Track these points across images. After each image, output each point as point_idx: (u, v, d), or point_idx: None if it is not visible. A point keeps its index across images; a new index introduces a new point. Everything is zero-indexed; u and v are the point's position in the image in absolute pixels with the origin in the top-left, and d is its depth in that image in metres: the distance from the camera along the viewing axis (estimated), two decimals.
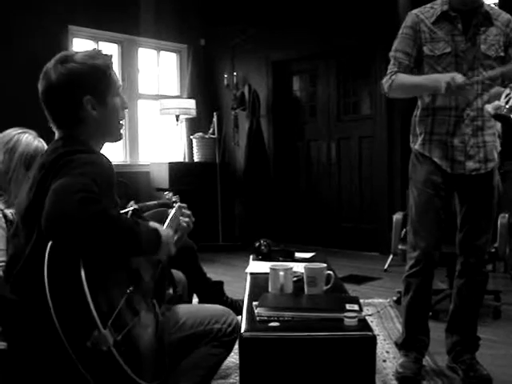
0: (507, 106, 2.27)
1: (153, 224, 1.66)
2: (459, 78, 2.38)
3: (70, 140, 1.65)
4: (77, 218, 1.33)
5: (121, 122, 1.80)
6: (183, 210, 2.05)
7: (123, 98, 1.80)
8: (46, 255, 1.38)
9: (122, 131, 1.82)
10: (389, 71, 2.62)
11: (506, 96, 2.29)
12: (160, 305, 1.60)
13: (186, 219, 2.04)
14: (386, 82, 2.62)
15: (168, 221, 1.99)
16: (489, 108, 2.36)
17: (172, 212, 2.04)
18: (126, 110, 1.86)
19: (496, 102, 2.34)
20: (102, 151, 1.76)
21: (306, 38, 6.37)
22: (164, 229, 1.66)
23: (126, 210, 1.60)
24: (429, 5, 2.61)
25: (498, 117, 2.35)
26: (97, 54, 1.73)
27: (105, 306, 1.37)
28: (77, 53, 1.71)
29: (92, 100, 1.67)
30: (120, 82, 1.80)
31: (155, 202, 2.49)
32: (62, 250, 1.38)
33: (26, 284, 1.47)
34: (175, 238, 1.85)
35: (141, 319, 1.48)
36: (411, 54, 2.58)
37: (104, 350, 1.33)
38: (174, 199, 2.24)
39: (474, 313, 2.73)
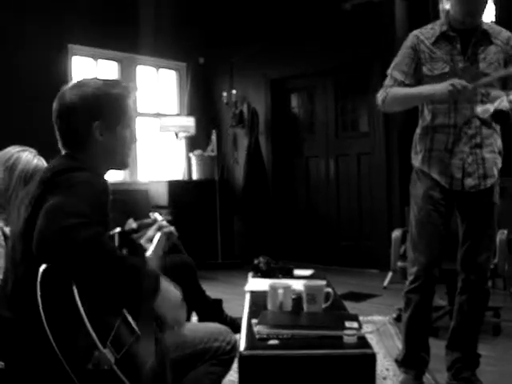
0: (491, 112, 2.31)
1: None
2: (463, 82, 2.42)
3: (72, 158, 1.66)
4: (63, 243, 1.32)
5: (129, 151, 1.80)
6: (166, 230, 2.07)
7: (134, 131, 1.81)
8: (39, 275, 1.36)
9: (128, 161, 1.82)
10: (384, 86, 2.70)
11: (500, 102, 2.32)
12: (157, 323, 1.58)
13: (173, 236, 2.07)
14: (380, 95, 2.68)
15: (152, 247, 2.00)
16: (478, 109, 2.40)
17: (156, 238, 2.05)
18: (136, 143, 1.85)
19: (487, 105, 2.37)
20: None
21: (304, 55, 6.41)
22: (168, 283, 1.54)
23: (112, 233, 1.56)
24: (429, 25, 2.65)
25: (482, 121, 2.40)
26: (116, 83, 1.76)
27: (102, 326, 1.36)
28: (96, 79, 1.74)
29: (101, 126, 1.68)
30: (134, 116, 1.80)
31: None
32: (55, 271, 1.37)
33: (21, 302, 1.46)
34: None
35: (139, 337, 1.48)
36: (407, 72, 2.63)
37: (106, 369, 1.32)
38: (159, 218, 2.25)
39: (475, 330, 2.72)
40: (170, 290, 1.54)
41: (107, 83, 1.73)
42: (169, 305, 1.51)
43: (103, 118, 1.69)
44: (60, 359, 1.32)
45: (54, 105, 1.70)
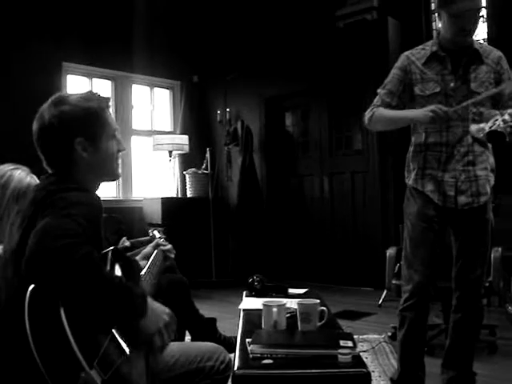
0: (486, 131, 2.32)
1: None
2: (443, 107, 2.45)
3: (63, 176, 1.65)
4: (53, 263, 1.30)
5: (117, 162, 1.78)
6: (164, 248, 2.05)
7: (119, 140, 1.79)
8: (27, 295, 1.34)
9: (119, 171, 1.81)
10: (372, 105, 2.74)
11: (494, 121, 2.33)
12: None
13: (171, 254, 2.05)
14: (367, 113, 2.74)
15: (148, 264, 1.98)
16: (473, 128, 2.41)
17: (152, 256, 2.03)
18: (122, 153, 1.84)
19: (481, 125, 2.38)
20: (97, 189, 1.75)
21: (298, 74, 6.45)
22: (155, 304, 1.55)
23: (105, 251, 1.55)
24: (420, 46, 2.68)
25: (475, 139, 2.41)
26: (92, 96, 1.73)
27: (89, 346, 1.34)
28: (72, 94, 1.72)
29: (84, 142, 1.67)
30: (116, 126, 1.78)
31: (148, 238, 2.48)
32: (42, 291, 1.35)
33: (10, 322, 1.44)
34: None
35: (129, 358, 1.45)
36: (395, 93, 2.67)
37: None
38: (157, 236, 2.23)
39: (470, 348, 2.71)
40: (157, 312, 1.52)
41: (83, 97, 1.71)
42: (155, 326, 1.50)
43: (84, 133, 1.68)
44: (47, 380, 1.30)
45: (34, 126, 1.69)
